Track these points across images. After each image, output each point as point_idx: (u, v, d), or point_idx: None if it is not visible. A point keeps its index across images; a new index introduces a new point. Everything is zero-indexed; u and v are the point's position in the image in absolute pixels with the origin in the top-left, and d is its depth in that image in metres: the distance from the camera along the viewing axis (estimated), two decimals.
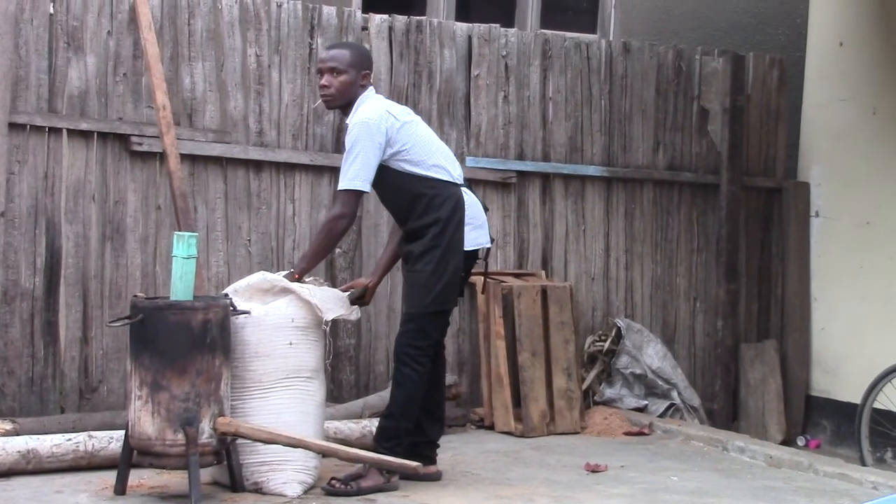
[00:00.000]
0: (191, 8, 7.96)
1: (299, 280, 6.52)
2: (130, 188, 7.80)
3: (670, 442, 8.43)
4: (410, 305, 6.74)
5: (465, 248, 6.67)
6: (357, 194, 6.54)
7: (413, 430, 6.87)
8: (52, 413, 7.51)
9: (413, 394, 6.65)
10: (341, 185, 6.53)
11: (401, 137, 6.58)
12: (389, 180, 6.62)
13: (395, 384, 6.70)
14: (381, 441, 6.63)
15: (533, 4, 10.21)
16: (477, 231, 6.74)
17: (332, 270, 8.27)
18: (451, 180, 6.67)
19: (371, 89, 6.74)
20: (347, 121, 6.65)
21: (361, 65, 6.68)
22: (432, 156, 6.66)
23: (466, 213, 6.67)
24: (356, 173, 6.49)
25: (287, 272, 6.62)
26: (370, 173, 6.51)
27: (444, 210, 6.58)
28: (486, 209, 6.90)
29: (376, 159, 6.52)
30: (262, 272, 6.70)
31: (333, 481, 6.49)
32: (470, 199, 6.73)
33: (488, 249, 6.95)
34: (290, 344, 6.44)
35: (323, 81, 6.69)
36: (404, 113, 6.74)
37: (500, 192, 8.92)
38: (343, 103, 6.69)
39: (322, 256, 6.79)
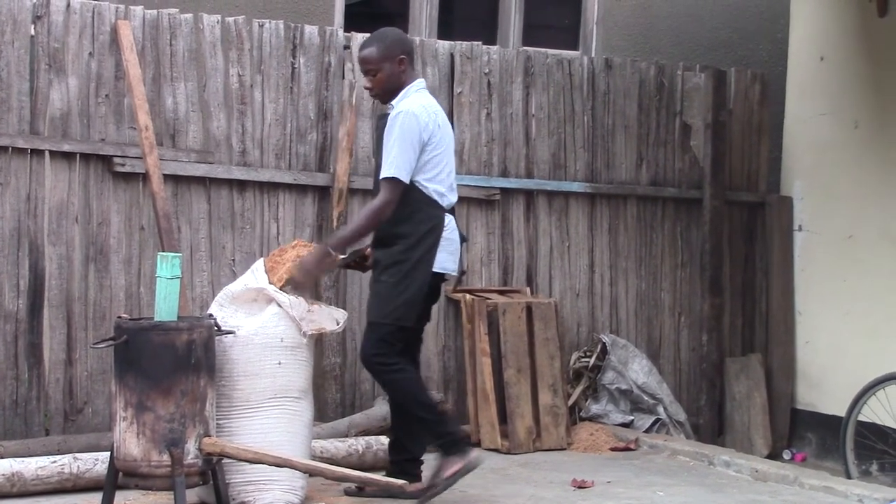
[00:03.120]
0: (172, 28, 7.95)
1: (333, 254, 6.55)
2: (113, 209, 7.79)
3: (656, 457, 8.43)
4: (370, 314, 6.77)
5: (434, 269, 6.68)
6: (400, 182, 6.52)
7: (395, 448, 6.90)
8: (37, 435, 7.48)
9: (408, 388, 6.70)
10: (386, 172, 6.52)
11: (433, 144, 6.61)
12: None
13: (390, 394, 6.82)
14: (430, 441, 6.80)
15: (515, 22, 10.23)
16: (446, 255, 6.73)
17: (315, 289, 8.26)
18: (440, 202, 6.67)
19: (420, 81, 6.81)
20: (393, 103, 6.68)
21: (392, 55, 6.68)
22: (437, 175, 6.67)
23: (444, 238, 6.68)
24: (400, 162, 6.50)
25: (321, 244, 6.66)
26: (411, 166, 6.54)
27: (421, 227, 6.60)
28: (464, 240, 6.93)
29: (417, 154, 6.56)
30: (241, 280, 6.68)
31: (419, 486, 6.64)
32: (451, 227, 6.74)
33: (459, 279, 6.95)
34: (279, 364, 6.44)
35: (365, 84, 6.83)
36: (441, 114, 6.78)
37: (483, 209, 8.92)
38: (391, 95, 6.74)
39: (360, 238, 6.75)
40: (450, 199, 6.76)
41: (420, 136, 6.55)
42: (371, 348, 6.70)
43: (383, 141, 6.63)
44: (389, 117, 6.64)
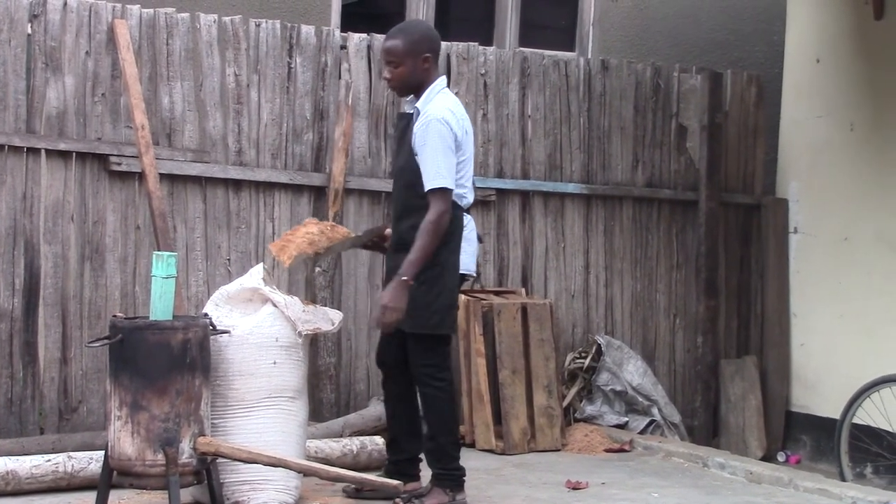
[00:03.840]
0: (169, 28, 7.95)
1: (408, 282, 6.38)
2: (109, 208, 7.79)
3: (651, 458, 8.44)
4: (411, 325, 6.52)
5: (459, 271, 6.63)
6: (449, 190, 6.42)
7: (393, 448, 6.89)
8: (32, 434, 7.48)
9: (445, 410, 6.61)
10: (432, 184, 6.38)
11: (461, 150, 6.52)
12: (417, 179, 6.47)
13: (424, 406, 6.67)
14: (433, 463, 6.68)
15: (511, 23, 10.24)
16: (467, 257, 6.68)
17: (311, 290, 8.26)
18: (460, 203, 6.59)
19: (442, 80, 6.68)
20: (418, 105, 6.57)
21: (417, 51, 6.54)
22: (461, 179, 6.56)
23: (465, 238, 6.63)
24: (443, 171, 6.38)
25: (396, 278, 6.41)
26: (452, 172, 6.43)
27: (448, 230, 6.47)
28: (480, 240, 6.88)
29: (455, 158, 6.46)
30: (237, 280, 6.68)
31: (398, 499, 6.53)
32: (470, 227, 6.70)
33: (474, 279, 6.90)
34: (274, 363, 6.43)
35: (385, 74, 6.69)
36: (466, 118, 6.69)
37: (479, 210, 8.92)
38: (409, 91, 6.66)
39: (429, 257, 6.47)
40: (469, 199, 6.70)
41: (450, 140, 6.43)
42: (419, 358, 6.58)
43: (412, 145, 6.49)
44: (418, 123, 6.49)
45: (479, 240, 6.89)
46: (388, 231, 6.83)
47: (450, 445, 6.63)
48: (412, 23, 6.66)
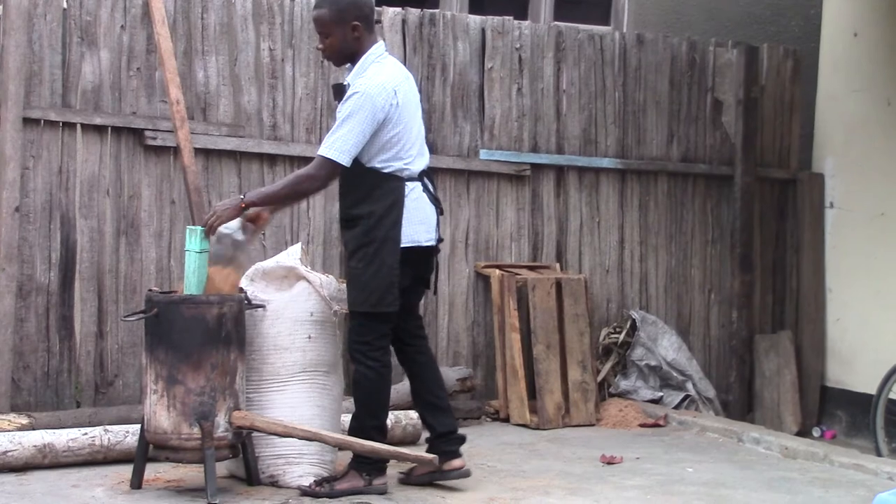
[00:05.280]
0: (204, 2, 7.96)
1: (244, 208, 6.28)
2: (144, 182, 7.81)
3: (685, 433, 8.43)
4: (349, 302, 6.40)
5: (402, 245, 6.32)
6: (335, 164, 6.21)
7: (424, 426, 6.82)
8: (68, 407, 7.52)
9: (371, 391, 6.39)
10: (323, 150, 6.21)
11: (393, 120, 6.26)
12: None
13: (353, 384, 6.45)
14: (356, 447, 6.36)
15: None
16: (415, 227, 6.37)
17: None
18: (399, 175, 6.33)
19: (378, 46, 6.39)
20: (349, 78, 6.36)
21: (343, 19, 6.29)
22: (398, 153, 6.32)
23: (408, 208, 6.33)
24: (343, 144, 6.17)
25: (238, 198, 6.33)
26: (356, 149, 6.21)
27: (381, 204, 6.27)
28: (440, 210, 6.56)
29: (368, 136, 6.22)
30: (274, 258, 6.65)
31: (311, 482, 6.34)
32: (414, 195, 6.38)
33: (436, 248, 6.56)
34: (310, 338, 6.45)
35: (317, 45, 6.50)
36: (402, 85, 6.40)
37: (514, 184, 8.92)
38: (343, 60, 6.44)
39: (274, 203, 6.44)
40: (413, 167, 6.40)
41: (374, 119, 6.19)
42: (353, 335, 6.40)
43: (336, 114, 6.34)
44: (346, 94, 6.29)
45: (438, 208, 6.53)
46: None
47: (373, 429, 6.38)
48: None
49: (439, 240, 6.57)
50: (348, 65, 6.47)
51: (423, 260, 6.50)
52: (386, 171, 6.30)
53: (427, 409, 6.70)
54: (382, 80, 6.29)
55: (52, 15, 7.55)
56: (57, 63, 7.57)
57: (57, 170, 7.57)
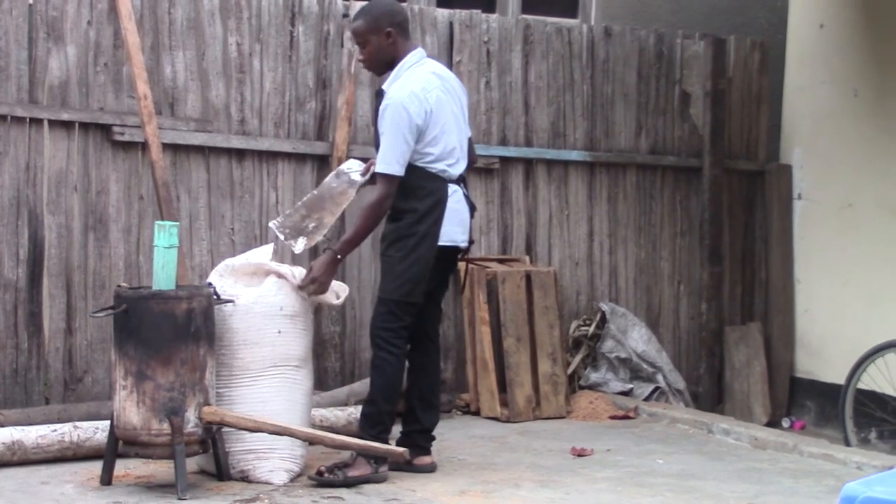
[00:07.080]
0: None
1: (341, 259, 6.62)
2: (112, 178, 7.78)
3: (656, 425, 8.45)
4: (381, 289, 6.75)
5: (440, 242, 6.64)
6: (392, 177, 6.50)
7: (407, 418, 6.87)
8: (37, 404, 7.48)
9: (391, 376, 6.64)
10: (381, 168, 6.51)
11: (429, 127, 6.55)
12: None
13: (372, 368, 6.71)
14: (366, 428, 6.61)
15: None
16: (454, 227, 6.71)
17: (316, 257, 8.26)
18: (442, 176, 6.63)
19: (416, 52, 6.73)
20: (384, 86, 6.64)
21: (378, 28, 6.62)
22: (439, 155, 6.62)
23: (449, 209, 6.65)
24: (391, 157, 6.48)
25: (329, 251, 6.61)
26: (405, 157, 6.51)
27: (426, 202, 6.57)
28: (473, 209, 6.87)
29: (410, 145, 6.51)
30: (244, 255, 6.70)
31: (321, 469, 6.47)
32: (456, 197, 6.71)
33: (468, 249, 6.91)
34: (279, 332, 6.45)
35: (357, 56, 6.90)
36: (439, 89, 6.66)
37: (483, 177, 8.92)
38: (383, 67, 6.74)
39: (365, 237, 6.77)
40: (454, 171, 6.71)
41: (411, 126, 6.48)
42: (379, 321, 6.67)
43: (377, 125, 6.61)
44: (382, 105, 6.57)
45: (472, 210, 6.87)
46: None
47: (387, 415, 6.63)
48: (372, 1, 6.70)
49: (471, 241, 6.93)
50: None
51: (452, 259, 6.87)
52: (431, 170, 6.61)
53: (421, 403, 6.87)
54: (412, 87, 6.58)
55: (19, 10, 7.51)
56: (23, 59, 7.53)
57: (24, 166, 7.54)
